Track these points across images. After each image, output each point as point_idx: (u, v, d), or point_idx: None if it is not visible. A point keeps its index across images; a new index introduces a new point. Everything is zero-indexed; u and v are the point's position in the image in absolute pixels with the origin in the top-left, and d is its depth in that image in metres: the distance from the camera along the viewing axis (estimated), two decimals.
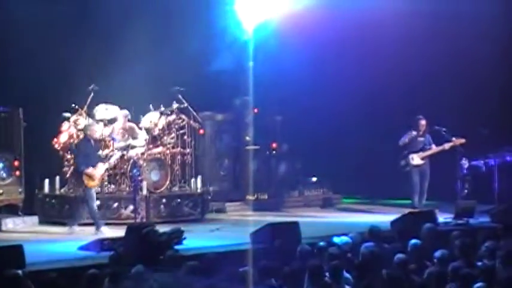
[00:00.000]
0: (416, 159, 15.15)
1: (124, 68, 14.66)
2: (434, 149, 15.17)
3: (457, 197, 14.86)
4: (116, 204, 14.12)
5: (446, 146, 15.01)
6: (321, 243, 9.76)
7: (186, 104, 15.11)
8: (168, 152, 14.92)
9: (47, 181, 14.54)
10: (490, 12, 15.58)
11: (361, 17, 15.81)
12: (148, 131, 14.90)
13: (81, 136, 13.98)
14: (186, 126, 15.26)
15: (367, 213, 15.52)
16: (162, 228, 11.24)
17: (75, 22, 15.24)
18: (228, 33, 15.97)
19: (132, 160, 14.37)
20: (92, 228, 13.15)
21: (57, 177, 14.55)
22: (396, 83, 16.43)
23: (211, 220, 14.73)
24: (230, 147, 17.07)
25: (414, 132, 15.22)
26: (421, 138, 15.23)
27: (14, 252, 9.33)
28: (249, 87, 15.54)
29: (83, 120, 14.42)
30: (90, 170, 13.29)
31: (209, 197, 15.21)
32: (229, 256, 9.93)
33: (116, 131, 14.58)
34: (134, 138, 14.63)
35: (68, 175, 14.53)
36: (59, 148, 14.49)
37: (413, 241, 9.46)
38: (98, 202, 13.59)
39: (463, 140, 14.90)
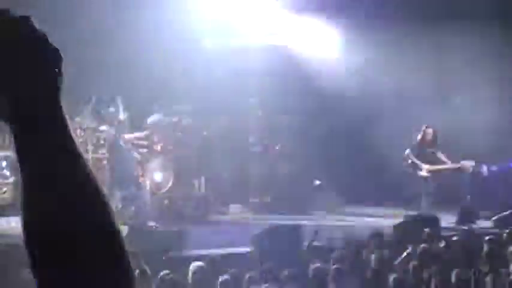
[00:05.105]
0: (424, 170, 14.59)
1: (127, 68, 14.65)
2: (441, 166, 14.58)
3: (460, 202, 14.82)
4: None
5: (452, 166, 14.54)
6: (324, 247, 9.76)
7: (190, 106, 15.10)
8: (171, 152, 14.91)
9: None
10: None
11: None
12: (152, 132, 14.90)
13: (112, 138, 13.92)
14: (190, 127, 15.24)
15: (371, 217, 15.47)
16: (164, 229, 11.24)
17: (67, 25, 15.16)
18: None
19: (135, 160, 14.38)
20: None
21: None
22: (403, 89, 16.40)
23: (213, 222, 14.73)
24: (234, 148, 17.06)
25: (414, 143, 14.91)
26: (430, 149, 14.68)
27: None
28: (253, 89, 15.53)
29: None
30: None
31: (212, 199, 15.21)
32: (231, 258, 9.93)
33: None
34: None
35: None
36: None
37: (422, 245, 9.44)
38: None
39: (472, 164, 14.53)
